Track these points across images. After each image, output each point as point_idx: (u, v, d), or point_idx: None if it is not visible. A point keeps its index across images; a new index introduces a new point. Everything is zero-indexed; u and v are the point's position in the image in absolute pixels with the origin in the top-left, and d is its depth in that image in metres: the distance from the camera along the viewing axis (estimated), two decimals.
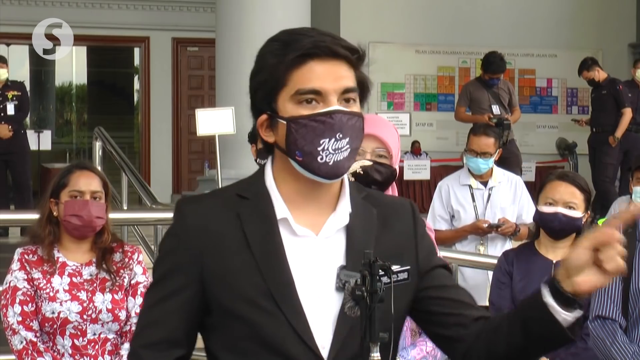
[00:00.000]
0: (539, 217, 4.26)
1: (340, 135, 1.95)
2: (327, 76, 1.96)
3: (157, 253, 2.08)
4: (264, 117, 2.01)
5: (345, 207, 2.03)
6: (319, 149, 1.95)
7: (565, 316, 1.93)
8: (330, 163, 1.96)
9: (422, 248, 2.10)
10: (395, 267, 1.95)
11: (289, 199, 2.01)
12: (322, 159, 1.95)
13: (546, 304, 1.93)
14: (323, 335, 1.97)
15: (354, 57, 1.99)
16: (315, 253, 2.00)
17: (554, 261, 4.25)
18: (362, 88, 2.03)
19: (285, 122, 1.97)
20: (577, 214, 4.17)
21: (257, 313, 1.95)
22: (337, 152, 1.96)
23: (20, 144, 9.86)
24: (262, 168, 2.08)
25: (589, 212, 4.25)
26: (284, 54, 1.97)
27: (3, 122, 9.68)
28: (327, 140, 1.95)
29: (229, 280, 1.97)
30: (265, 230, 1.99)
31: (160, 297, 2.01)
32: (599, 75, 10.41)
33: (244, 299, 1.96)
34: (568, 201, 4.17)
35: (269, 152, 2.07)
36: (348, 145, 1.96)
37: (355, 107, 2.00)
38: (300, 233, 2.00)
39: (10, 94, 9.83)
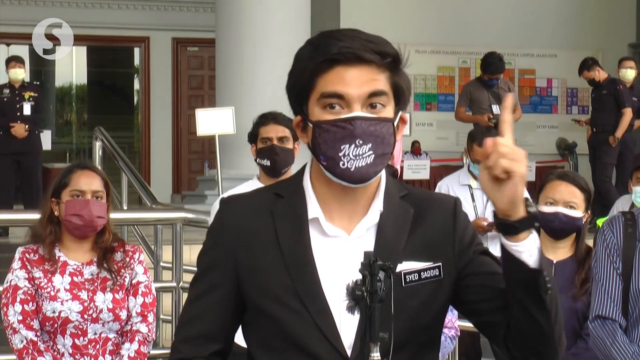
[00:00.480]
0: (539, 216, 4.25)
1: (360, 142, 1.95)
2: (352, 81, 1.96)
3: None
4: (298, 118, 2.04)
5: (377, 207, 2.03)
6: (340, 154, 1.95)
7: (516, 247, 1.91)
8: (352, 169, 1.96)
9: (460, 242, 2.07)
10: (424, 264, 1.97)
11: (323, 199, 2.03)
12: (343, 164, 1.96)
13: (502, 244, 1.94)
14: (349, 334, 1.98)
15: (385, 61, 1.98)
16: (345, 253, 2.00)
17: (555, 261, 4.25)
18: (398, 92, 2.02)
19: (311, 126, 1.99)
20: (578, 213, 4.16)
21: (284, 311, 1.98)
22: (358, 158, 1.95)
23: (33, 144, 10.00)
24: (302, 168, 2.10)
25: (589, 212, 4.25)
26: (311, 58, 1.97)
27: (19, 122, 9.79)
28: (348, 146, 1.95)
29: (259, 278, 2.00)
30: (295, 229, 2.01)
31: (199, 293, 2.06)
32: (599, 75, 10.41)
33: (272, 297, 1.99)
34: (568, 201, 4.16)
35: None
36: (371, 152, 1.96)
37: (384, 112, 1.98)
38: (331, 233, 2.01)
39: (27, 95, 9.98)
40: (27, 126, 9.84)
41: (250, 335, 2.06)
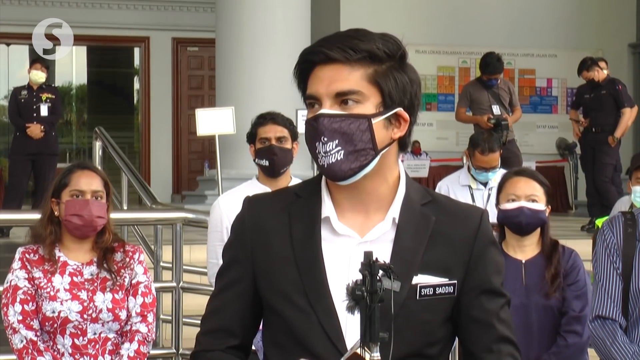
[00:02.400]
0: (502, 215, 4.23)
1: (325, 139, 1.95)
2: (322, 81, 1.97)
3: None
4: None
5: (392, 213, 2.02)
6: (316, 151, 1.98)
7: None
8: (325, 166, 1.97)
9: (475, 262, 2.03)
10: (440, 280, 1.95)
11: (336, 199, 2.04)
12: (321, 161, 1.98)
13: None
14: (354, 337, 1.95)
15: (354, 57, 1.96)
16: (356, 254, 1.97)
17: (523, 260, 4.23)
18: (380, 87, 1.97)
19: None
20: (541, 206, 4.17)
21: (291, 310, 2.00)
22: (327, 155, 1.96)
23: (50, 146, 10.12)
24: None
25: (549, 206, 4.24)
26: (298, 62, 2.03)
27: (36, 123, 9.88)
28: (317, 143, 1.97)
29: (271, 276, 2.03)
30: (307, 228, 2.02)
31: (221, 288, 2.11)
32: (599, 75, 10.40)
33: (281, 295, 2.01)
34: (529, 195, 4.18)
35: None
36: (339, 148, 1.95)
37: (357, 109, 1.96)
38: (341, 232, 2.01)
39: (44, 96, 10.16)
40: (42, 127, 9.95)
41: (265, 333, 2.09)
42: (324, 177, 2.06)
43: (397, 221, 2.01)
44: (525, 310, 4.14)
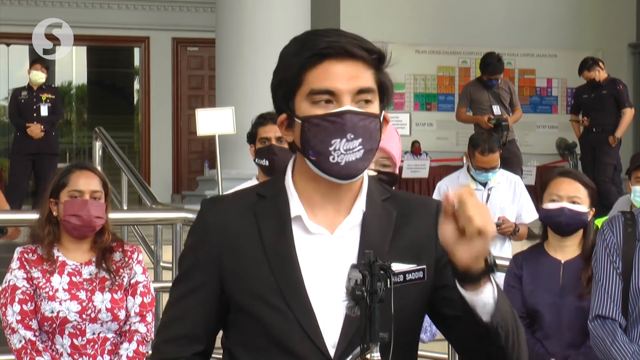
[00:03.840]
0: (544, 214, 4.26)
1: (352, 136, 1.95)
2: (341, 76, 1.96)
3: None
4: (283, 116, 2.03)
5: (359, 207, 2.03)
6: (330, 149, 1.95)
7: (472, 297, 1.91)
8: (342, 163, 1.96)
9: (441, 247, 2.04)
10: (409, 266, 1.94)
11: (306, 198, 2.03)
12: (333, 159, 1.95)
13: (459, 293, 1.94)
14: (332, 334, 1.97)
15: (372, 57, 1.99)
16: (328, 252, 2.00)
17: (563, 261, 4.26)
18: (383, 89, 2.02)
19: (300, 122, 1.98)
20: (583, 208, 4.18)
21: (267, 310, 1.97)
22: (348, 152, 1.95)
23: (50, 145, 10.14)
24: (285, 168, 2.10)
25: (594, 208, 4.26)
26: (299, 54, 1.98)
27: (36, 122, 9.90)
28: (339, 140, 1.95)
29: (242, 278, 2.00)
30: (278, 228, 2.00)
31: (182, 294, 2.06)
32: (600, 75, 10.40)
33: (255, 296, 1.98)
34: (572, 196, 4.19)
35: (293, 152, 2.09)
36: (361, 147, 1.96)
37: (372, 108, 1.98)
38: (314, 231, 2.01)
39: (44, 97, 10.21)
40: (42, 127, 9.97)
41: (231, 335, 2.05)
42: (288, 176, 2.05)
43: (364, 214, 2.02)
44: (558, 309, 4.18)
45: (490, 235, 1.85)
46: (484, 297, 1.92)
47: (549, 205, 4.22)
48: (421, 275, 1.94)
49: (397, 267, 1.95)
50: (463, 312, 1.95)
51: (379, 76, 2.01)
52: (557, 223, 4.22)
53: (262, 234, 2.00)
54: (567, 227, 4.22)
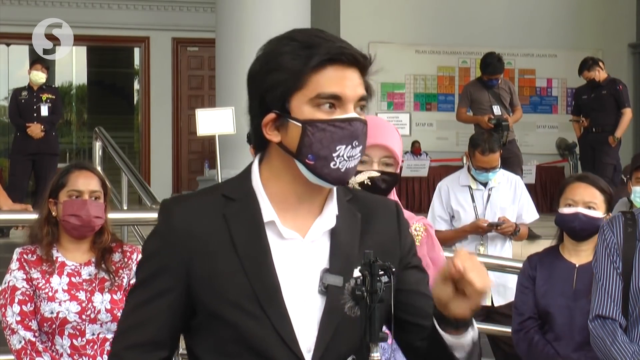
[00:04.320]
0: (559, 219, 4.28)
1: (357, 143, 1.96)
2: (347, 83, 1.96)
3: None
4: (272, 116, 1.98)
5: (332, 210, 2.03)
6: (334, 154, 1.94)
7: (451, 339, 1.96)
8: (343, 170, 1.96)
9: (402, 249, 2.10)
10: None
11: (277, 201, 2.00)
12: (335, 164, 1.95)
13: (438, 331, 1.96)
14: (307, 338, 1.96)
15: (368, 65, 2.01)
16: (301, 256, 1.99)
17: (577, 265, 4.27)
18: (369, 95, 2.03)
19: (300, 125, 1.95)
20: (598, 214, 4.19)
21: (242, 316, 1.94)
22: (350, 159, 1.96)
23: (50, 145, 10.17)
24: (247, 169, 2.06)
25: (609, 213, 4.26)
26: (307, 56, 1.95)
27: (36, 122, 9.92)
28: (344, 147, 1.95)
29: (215, 283, 1.95)
30: (251, 233, 1.97)
31: (146, 299, 1.99)
32: (599, 75, 10.40)
33: (230, 302, 1.94)
34: (588, 201, 4.20)
35: (260, 150, 2.05)
36: (360, 154, 1.98)
37: (364, 115, 2.00)
38: (287, 236, 1.99)
39: (44, 97, 10.23)
40: (43, 127, 9.98)
41: (199, 340, 2.00)
42: (255, 178, 2.01)
43: (337, 217, 2.03)
44: (570, 312, 4.20)
45: (486, 293, 1.90)
46: (465, 340, 1.97)
47: (564, 210, 4.24)
48: (388, 279, 1.95)
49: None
50: (437, 349, 1.97)
51: (367, 82, 2.02)
52: (572, 228, 4.24)
53: (235, 239, 1.96)
54: (582, 232, 4.23)
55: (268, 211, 1.99)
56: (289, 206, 2.00)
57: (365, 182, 3.00)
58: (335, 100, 1.95)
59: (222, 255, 1.96)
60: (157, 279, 1.98)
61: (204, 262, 1.96)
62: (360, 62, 1.98)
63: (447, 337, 1.95)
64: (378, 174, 3.00)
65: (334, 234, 2.02)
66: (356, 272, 1.92)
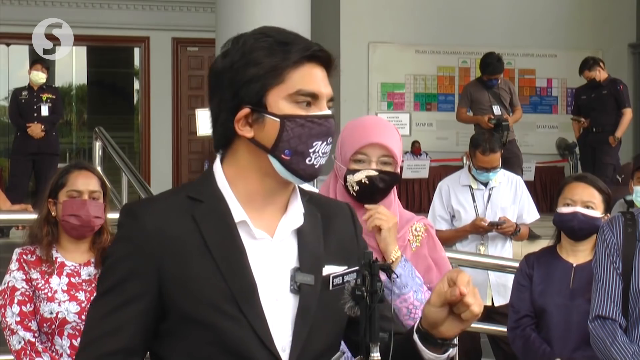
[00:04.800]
0: (558, 218, 4.29)
1: (330, 140, 1.99)
2: (322, 81, 1.99)
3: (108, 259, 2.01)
4: (246, 111, 1.97)
5: (297, 209, 2.04)
6: (311, 150, 1.96)
7: (435, 357, 1.98)
8: (317, 165, 1.98)
9: (360, 248, 2.12)
10: (343, 268, 1.98)
11: (245, 201, 1.99)
12: (310, 160, 1.97)
13: (417, 346, 1.97)
14: (282, 338, 1.96)
15: (334, 66, 2.04)
16: (271, 256, 1.99)
17: (574, 264, 4.27)
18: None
19: (278, 120, 1.96)
20: (596, 213, 4.20)
21: (220, 318, 1.91)
22: (323, 155, 1.99)
23: (50, 145, 10.18)
24: (209, 170, 2.04)
25: (608, 213, 4.27)
26: (285, 52, 1.96)
27: (36, 122, 9.93)
28: (320, 142, 1.97)
29: (191, 286, 1.92)
30: (224, 234, 1.96)
31: (116, 305, 1.93)
32: (600, 75, 10.39)
33: (207, 304, 1.91)
34: (586, 201, 4.21)
35: (221, 148, 2.04)
36: (329, 151, 2.01)
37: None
38: (258, 236, 1.99)
39: (44, 97, 10.25)
40: (43, 127, 9.99)
41: (170, 345, 1.96)
42: (220, 178, 2.00)
43: (313, 216, 2.04)
44: (567, 311, 4.21)
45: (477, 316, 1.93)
46: (444, 357, 1.99)
47: (563, 210, 4.24)
48: (355, 277, 1.96)
49: (334, 269, 1.98)
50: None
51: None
52: (570, 227, 4.24)
53: (207, 240, 1.94)
54: (580, 232, 4.24)
55: (238, 211, 1.98)
56: (255, 206, 2.00)
57: (363, 181, 2.99)
58: (312, 98, 1.97)
59: (195, 257, 1.93)
60: (128, 284, 1.93)
61: (177, 265, 1.92)
62: (331, 63, 2.01)
63: (428, 354, 1.97)
64: (376, 173, 3.00)
65: (300, 233, 2.02)
66: (325, 270, 1.95)
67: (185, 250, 1.93)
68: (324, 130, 1.97)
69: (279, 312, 1.97)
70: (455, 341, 2.02)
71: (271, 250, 1.99)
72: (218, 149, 2.05)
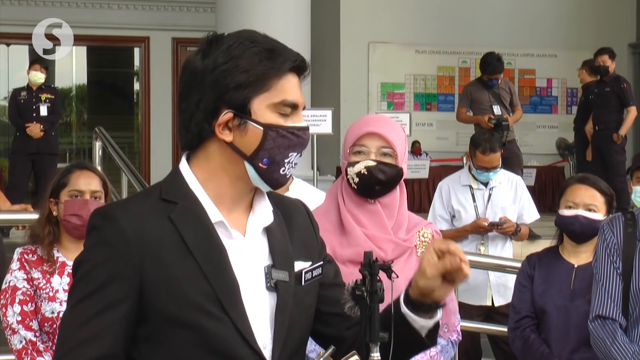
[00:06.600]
0: (559, 221, 4.28)
1: (302, 152, 2.01)
2: (300, 90, 2.01)
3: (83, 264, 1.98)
4: (229, 115, 1.96)
5: (265, 208, 2.05)
6: (286, 160, 1.98)
7: (424, 323, 2.04)
8: (287, 175, 2.01)
9: (320, 243, 2.16)
10: (308, 264, 2.03)
11: (215, 202, 1.99)
12: (283, 170, 1.99)
13: (404, 314, 2.02)
14: (263, 335, 1.97)
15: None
16: (246, 255, 2.00)
17: (576, 265, 4.27)
18: None
19: (261, 129, 1.95)
20: (598, 216, 4.18)
21: (205, 319, 1.90)
22: (295, 166, 2.01)
23: (50, 145, 10.18)
24: (176, 170, 2.02)
25: (610, 215, 4.26)
26: (273, 60, 1.96)
27: (35, 122, 9.93)
28: (295, 154, 1.99)
29: (173, 288, 1.90)
30: (204, 235, 1.95)
31: (97, 311, 1.89)
32: (612, 67, 10.34)
33: (191, 306, 1.90)
34: (588, 204, 4.19)
35: (189, 148, 2.02)
36: (298, 162, 2.03)
37: None
38: (234, 236, 1.99)
39: (43, 97, 10.26)
40: (42, 126, 10.00)
41: (150, 349, 1.93)
42: (192, 180, 1.99)
43: (275, 214, 2.06)
44: (566, 311, 4.21)
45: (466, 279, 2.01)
46: (434, 320, 2.06)
47: (564, 212, 4.23)
48: (320, 272, 2.05)
49: (303, 264, 2.04)
50: (403, 334, 2.02)
51: None
52: (572, 230, 4.24)
53: (187, 242, 1.92)
54: (582, 235, 4.23)
55: (214, 212, 1.98)
56: (225, 207, 2.00)
57: (362, 172, 2.96)
58: (292, 108, 1.98)
59: (176, 259, 1.91)
60: (108, 289, 1.89)
61: (158, 267, 1.90)
62: (304, 72, 2.02)
63: (420, 321, 2.02)
64: (374, 163, 2.97)
65: (269, 231, 2.04)
66: (297, 266, 2.01)
67: (165, 252, 1.91)
68: (300, 142, 1.99)
69: (258, 310, 1.97)
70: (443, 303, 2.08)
71: (245, 249, 2.00)
72: (188, 148, 2.03)
